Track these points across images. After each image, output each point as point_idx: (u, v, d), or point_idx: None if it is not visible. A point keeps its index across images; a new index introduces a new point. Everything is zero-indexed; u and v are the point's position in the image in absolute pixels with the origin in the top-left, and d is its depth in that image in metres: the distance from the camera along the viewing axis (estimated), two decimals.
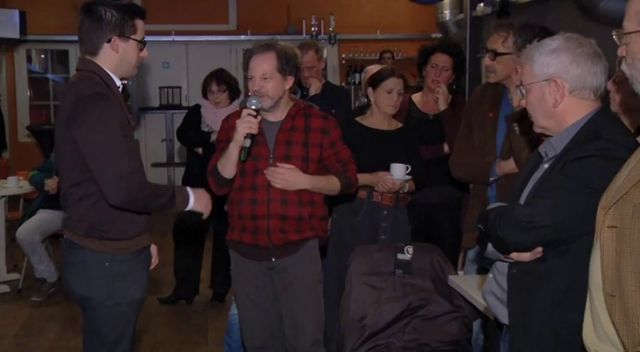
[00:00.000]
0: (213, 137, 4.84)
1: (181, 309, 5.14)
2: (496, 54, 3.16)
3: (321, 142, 3.09)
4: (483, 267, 2.34)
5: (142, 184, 2.49)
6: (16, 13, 7.50)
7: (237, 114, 3.07)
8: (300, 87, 4.07)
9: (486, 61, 3.21)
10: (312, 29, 9.21)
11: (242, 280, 3.17)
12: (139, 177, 2.49)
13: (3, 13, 7.62)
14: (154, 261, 2.77)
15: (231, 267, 3.21)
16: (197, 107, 5.06)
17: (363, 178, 3.48)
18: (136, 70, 2.68)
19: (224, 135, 3.12)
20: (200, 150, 4.97)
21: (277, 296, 3.13)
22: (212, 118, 4.92)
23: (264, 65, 2.99)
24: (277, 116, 3.09)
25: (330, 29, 9.27)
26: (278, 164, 3.01)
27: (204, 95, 5.01)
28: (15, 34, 7.50)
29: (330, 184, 3.09)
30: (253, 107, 2.91)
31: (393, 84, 3.74)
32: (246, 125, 2.87)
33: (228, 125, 3.11)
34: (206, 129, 4.93)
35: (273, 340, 3.19)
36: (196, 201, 2.65)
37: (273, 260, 3.07)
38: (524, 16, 5.22)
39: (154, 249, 2.76)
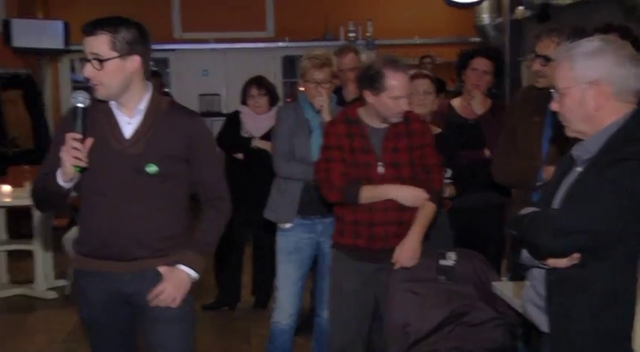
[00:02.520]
0: (253, 142, 4.90)
1: (224, 315, 5.17)
2: (548, 59, 3.12)
3: (421, 144, 3.21)
4: (518, 273, 2.32)
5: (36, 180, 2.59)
6: (60, 24, 7.68)
7: (341, 119, 3.23)
8: (336, 93, 4.08)
9: (537, 66, 3.17)
10: (350, 35, 9.22)
11: (345, 280, 3.25)
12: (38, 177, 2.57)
13: (48, 25, 7.81)
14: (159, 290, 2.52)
15: (333, 267, 3.32)
16: (236, 113, 5.09)
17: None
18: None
19: (334, 141, 3.19)
20: (240, 156, 5.00)
21: (379, 297, 3.27)
22: (252, 124, 4.96)
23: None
24: (380, 122, 3.18)
25: (368, 35, 9.27)
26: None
27: (244, 101, 5.05)
28: (59, 44, 7.67)
29: (431, 216, 3.23)
30: (80, 104, 2.38)
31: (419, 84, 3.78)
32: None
33: (336, 131, 3.20)
34: (246, 135, 4.97)
35: (357, 343, 3.29)
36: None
37: (385, 263, 3.18)
38: (568, 19, 5.17)
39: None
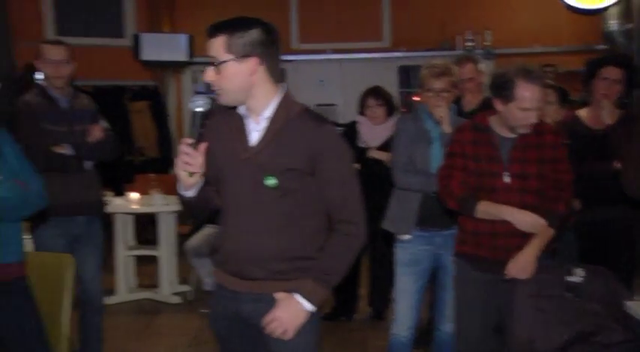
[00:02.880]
0: (370, 153, 4.90)
1: (341, 326, 5.18)
2: None
3: (553, 158, 3.10)
4: None
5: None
6: (185, 37, 7.97)
7: (470, 126, 3.18)
8: (456, 103, 4.02)
9: None
10: (468, 44, 9.07)
11: (467, 290, 3.22)
12: None
13: (173, 38, 8.12)
14: None
15: (455, 277, 3.29)
16: (353, 123, 5.11)
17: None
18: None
19: (459, 148, 3.16)
20: (357, 166, 5.01)
21: (502, 310, 3.19)
22: (369, 134, 4.97)
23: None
24: (509, 131, 3.12)
25: (487, 44, 9.08)
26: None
27: (361, 111, 5.06)
28: (183, 56, 7.97)
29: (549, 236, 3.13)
30: (198, 109, 2.27)
31: None
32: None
33: (463, 138, 3.16)
34: (362, 145, 4.97)
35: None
36: None
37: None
38: None
39: None
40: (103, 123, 4.04)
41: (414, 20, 9.34)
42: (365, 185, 4.79)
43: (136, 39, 7.84)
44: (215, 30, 2.23)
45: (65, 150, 3.83)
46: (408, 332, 3.71)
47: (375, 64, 9.56)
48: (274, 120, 2.28)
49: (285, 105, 2.29)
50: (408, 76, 9.60)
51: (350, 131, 5.08)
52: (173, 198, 6.06)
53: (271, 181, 2.25)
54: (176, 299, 5.83)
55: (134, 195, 6.00)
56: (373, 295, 5.30)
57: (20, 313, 2.83)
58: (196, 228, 5.82)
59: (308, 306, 2.27)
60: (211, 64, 2.23)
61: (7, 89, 3.14)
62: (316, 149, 2.24)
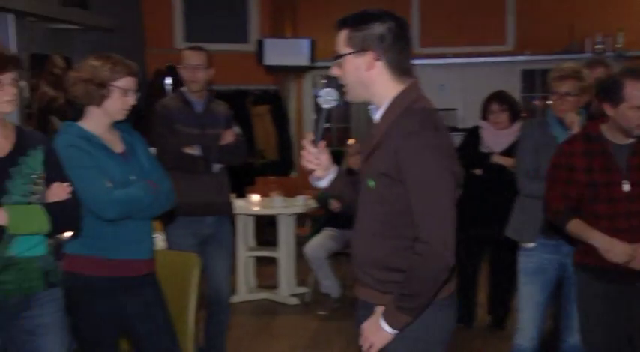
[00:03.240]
0: (493, 158, 4.79)
1: (459, 333, 5.05)
2: None
3: None
4: None
5: None
6: (307, 42, 8.09)
7: (580, 136, 3.07)
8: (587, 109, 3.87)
9: None
10: (597, 47, 8.70)
11: (591, 303, 3.10)
12: None
13: (295, 43, 8.25)
14: None
15: (578, 289, 3.17)
16: (476, 128, 5.01)
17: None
18: None
19: (564, 161, 3.07)
20: (479, 172, 4.91)
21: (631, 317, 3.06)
22: (492, 139, 4.87)
23: None
24: (624, 137, 2.99)
25: (618, 46, 8.68)
26: None
27: (484, 116, 4.96)
28: (305, 61, 8.08)
29: None
30: (325, 105, 2.26)
31: None
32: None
33: (572, 149, 3.06)
34: (485, 151, 4.87)
35: None
36: None
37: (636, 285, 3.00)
38: None
39: None
40: (236, 129, 4.18)
41: (540, 22, 9.07)
42: (487, 191, 4.79)
43: (260, 44, 8.02)
44: (340, 23, 2.20)
45: (194, 151, 3.98)
46: (532, 343, 3.61)
47: (498, 68, 9.36)
48: (383, 119, 2.18)
49: (397, 105, 2.16)
50: (532, 80, 9.34)
51: (472, 136, 4.99)
52: (293, 201, 6.15)
53: (371, 183, 2.17)
54: (294, 301, 5.90)
55: (255, 197, 6.12)
56: (493, 303, 5.17)
57: (150, 308, 2.94)
58: (316, 231, 5.87)
59: (387, 329, 2.15)
60: (336, 58, 2.20)
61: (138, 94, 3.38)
62: (401, 158, 2.07)
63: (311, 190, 6.38)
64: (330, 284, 5.66)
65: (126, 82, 2.82)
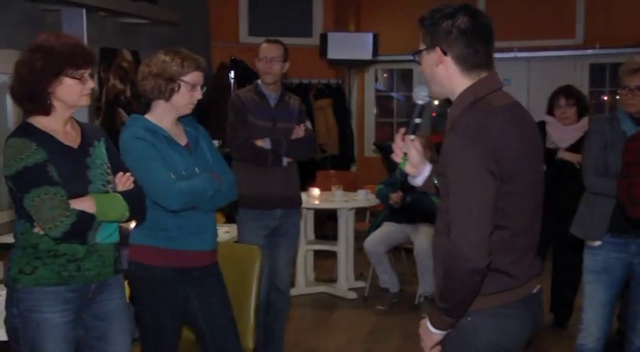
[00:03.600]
0: (559, 154, 4.69)
1: None
2: None
3: None
4: None
5: None
6: (370, 36, 8.07)
7: None
8: None
9: None
10: None
11: None
12: None
13: (359, 37, 8.25)
14: None
15: None
16: (542, 123, 4.92)
17: None
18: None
19: (633, 158, 3.02)
20: (544, 167, 4.82)
21: None
22: (558, 135, 4.78)
23: None
24: None
25: None
26: None
27: (550, 111, 4.86)
28: (368, 55, 8.07)
29: None
30: (420, 102, 2.29)
31: None
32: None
33: (636, 147, 3.02)
34: (551, 146, 4.78)
35: None
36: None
37: None
38: None
39: None
40: (308, 124, 4.22)
41: (610, 15, 8.83)
42: (552, 187, 4.67)
43: (323, 38, 8.04)
44: (419, 20, 2.19)
45: (264, 143, 4.04)
46: (597, 344, 3.53)
47: (564, 62, 9.17)
48: (449, 116, 2.14)
49: (461, 101, 2.11)
50: (601, 75, 9.11)
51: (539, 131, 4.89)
52: (353, 195, 6.16)
53: (435, 182, 2.19)
54: (352, 295, 5.90)
55: (315, 191, 6.14)
56: (555, 302, 5.08)
57: (213, 299, 2.99)
58: (375, 225, 5.87)
59: (432, 328, 2.15)
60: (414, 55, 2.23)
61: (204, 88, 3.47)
62: (442, 154, 2.06)
63: (371, 185, 6.37)
64: (388, 279, 5.65)
65: (194, 76, 2.87)
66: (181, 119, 3.00)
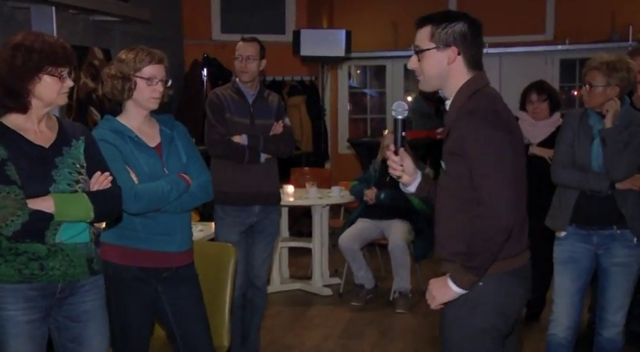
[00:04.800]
0: (531, 149, 4.73)
1: None
2: None
3: None
4: None
5: None
6: (343, 32, 8.07)
7: None
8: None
9: None
10: None
11: None
12: None
13: (331, 34, 8.25)
14: None
15: None
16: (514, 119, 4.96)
17: None
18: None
19: None
20: None
21: None
22: (530, 131, 4.80)
23: None
24: None
25: None
26: None
27: (522, 107, 4.90)
28: (341, 52, 8.07)
29: None
30: (399, 116, 2.52)
31: None
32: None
33: None
34: (525, 142, 4.81)
35: None
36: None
37: None
38: None
39: None
40: (287, 121, 4.23)
41: (581, 11, 8.92)
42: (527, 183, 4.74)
43: (296, 35, 8.03)
44: (423, 21, 2.41)
45: (241, 140, 4.04)
46: (567, 333, 3.58)
47: (535, 58, 9.26)
48: (452, 105, 2.41)
49: (464, 91, 2.38)
50: (572, 70, 9.21)
51: None
52: (327, 192, 6.17)
53: (443, 164, 2.39)
54: (327, 291, 5.91)
55: (290, 188, 6.14)
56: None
57: (185, 299, 2.98)
58: (349, 222, 5.88)
59: (453, 287, 2.34)
60: (416, 52, 2.42)
61: (176, 85, 3.46)
62: (463, 133, 2.30)
63: (345, 181, 6.39)
64: (363, 276, 5.67)
65: (149, 70, 2.86)
66: (158, 118, 2.99)
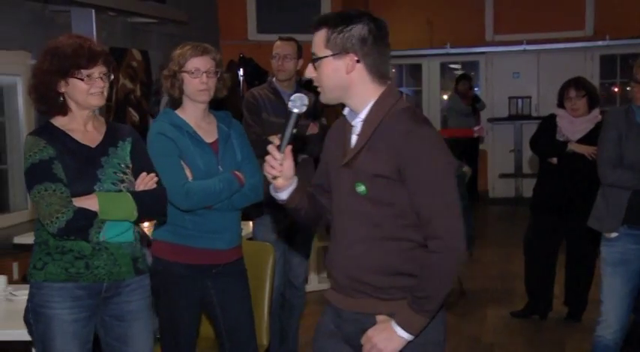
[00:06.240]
0: (570, 146, 4.68)
1: (534, 325, 5.00)
2: None
3: None
4: None
5: None
6: None
7: None
8: None
9: None
10: None
11: None
12: None
13: None
14: None
15: None
16: (552, 116, 4.92)
17: None
18: None
19: None
20: (554, 160, 4.82)
21: None
22: (568, 127, 4.76)
23: None
24: None
25: None
26: None
27: (561, 104, 4.85)
28: None
29: None
30: (295, 110, 2.15)
31: None
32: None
33: None
34: (561, 139, 4.77)
35: None
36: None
37: None
38: None
39: None
40: (323, 121, 4.23)
41: (621, 6, 8.80)
42: (563, 180, 4.69)
43: None
44: (318, 23, 2.09)
45: (278, 140, 4.04)
46: (615, 336, 3.52)
47: (574, 54, 9.17)
48: (368, 122, 2.08)
49: (382, 106, 2.08)
50: (612, 66, 9.09)
51: (548, 124, 4.89)
52: None
53: (361, 188, 2.07)
54: None
55: None
56: (569, 295, 5.07)
57: (233, 295, 3.00)
58: None
59: (403, 334, 2.04)
60: (312, 60, 2.10)
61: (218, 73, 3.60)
62: (404, 155, 2.00)
63: None
64: None
65: (193, 63, 2.89)
66: (216, 114, 3.01)
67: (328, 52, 2.06)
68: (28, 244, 4.40)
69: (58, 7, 5.36)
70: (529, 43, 9.34)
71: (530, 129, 5.51)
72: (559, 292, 5.17)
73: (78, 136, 2.57)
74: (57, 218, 2.42)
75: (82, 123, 2.59)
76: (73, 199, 2.46)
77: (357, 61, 2.05)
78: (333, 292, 2.20)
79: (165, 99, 6.78)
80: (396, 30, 9.48)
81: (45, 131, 2.55)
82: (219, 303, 2.97)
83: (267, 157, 2.13)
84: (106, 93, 2.59)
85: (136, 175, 2.63)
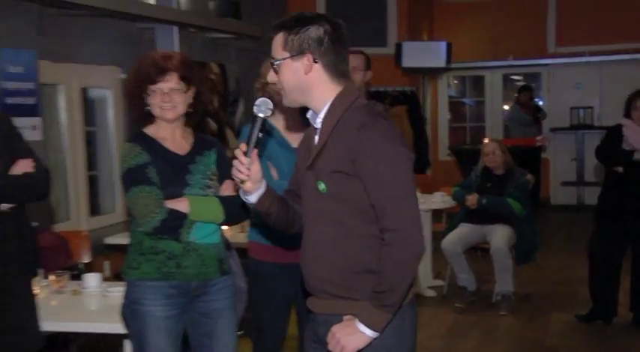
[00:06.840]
0: (636, 156, 4.78)
1: (598, 330, 5.08)
2: None
3: None
4: None
5: None
6: (444, 44, 8.30)
7: None
8: None
9: None
10: None
11: None
12: None
13: (432, 46, 8.50)
14: None
15: None
16: (618, 126, 5.02)
17: None
18: None
19: None
20: (620, 169, 4.93)
21: None
22: (635, 137, 4.83)
23: None
24: None
25: None
26: None
27: (627, 113, 4.95)
28: (441, 63, 8.30)
29: None
30: (260, 114, 2.15)
31: None
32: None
33: None
34: (628, 148, 4.87)
35: None
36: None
37: None
38: None
39: None
40: None
41: None
42: (629, 188, 4.80)
43: (398, 47, 8.31)
44: (275, 27, 2.11)
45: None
46: None
47: (638, 66, 9.17)
48: (327, 121, 2.09)
49: (339, 103, 2.09)
50: None
51: (614, 133, 4.98)
52: (429, 197, 6.37)
53: (321, 186, 2.07)
54: (431, 293, 6.09)
55: None
56: (635, 300, 5.14)
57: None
58: (452, 226, 6.05)
59: (366, 331, 2.01)
60: (272, 63, 2.12)
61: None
62: (355, 148, 2.00)
63: (446, 187, 6.57)
64: (466, 278, 5.81)
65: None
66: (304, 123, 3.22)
67: (286, 55, 2.08)
68: (119, 244, 4.74)
69: (145, 24, 5.74)
70: (591, 54, 9.39)
71: (591, 138, 5.62)
72: (624, 299, 5.23)
73: (168, 144, 2.73)
74: (152, 217, 2.59)
75: (169, 132, 2.74)
76: (166, 201, 2.62)
77: (315, 61, 2.06)
78: (310, 296, 2.21)
79: (240, 110, 7.13)
80: (459, 42, 9.71)
81: (139, 138, 2.75)
82: (301, 306, 3.03)
83: (234, 161, 2.12)
84: (181, 108, 2.72)
85: (220, 182, 2.82)
